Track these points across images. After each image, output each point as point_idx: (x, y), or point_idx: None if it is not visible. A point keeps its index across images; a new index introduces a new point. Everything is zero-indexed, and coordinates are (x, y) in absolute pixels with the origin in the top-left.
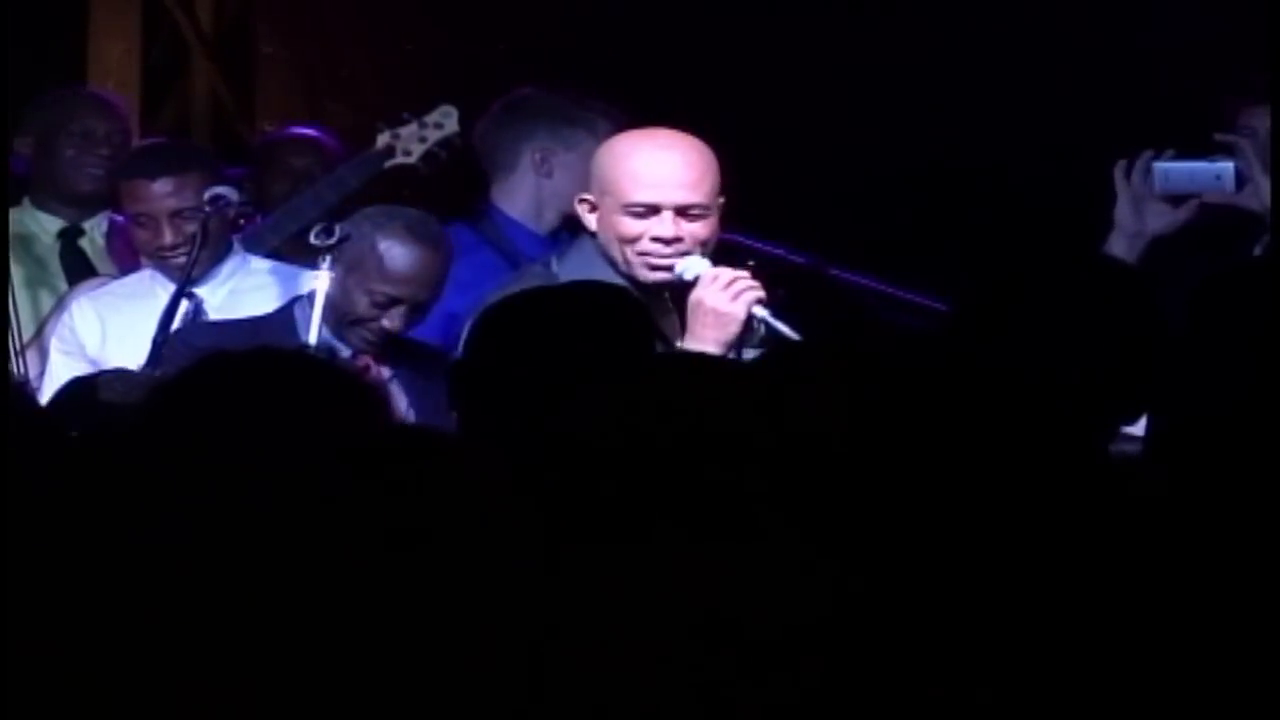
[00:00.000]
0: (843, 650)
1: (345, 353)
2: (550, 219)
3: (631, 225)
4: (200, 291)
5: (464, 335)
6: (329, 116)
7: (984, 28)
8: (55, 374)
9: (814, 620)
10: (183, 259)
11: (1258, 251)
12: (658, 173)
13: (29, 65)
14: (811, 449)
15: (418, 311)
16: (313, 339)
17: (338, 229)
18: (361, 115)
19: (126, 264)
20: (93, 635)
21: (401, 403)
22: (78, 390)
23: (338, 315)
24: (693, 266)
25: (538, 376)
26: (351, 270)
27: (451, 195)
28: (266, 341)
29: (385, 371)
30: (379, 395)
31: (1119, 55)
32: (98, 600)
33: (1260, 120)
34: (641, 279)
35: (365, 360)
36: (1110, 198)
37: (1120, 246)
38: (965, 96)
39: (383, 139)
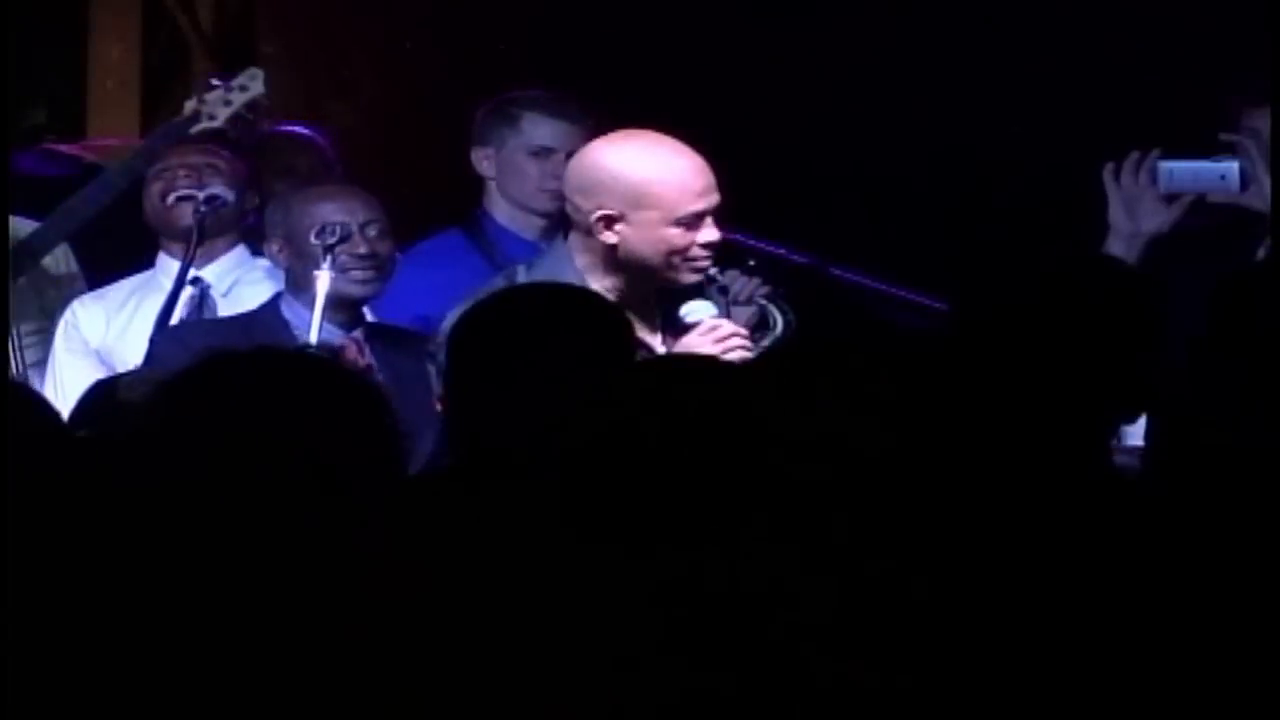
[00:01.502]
0: (838, 650)
1: (336, 341)
2: (536, 221)
3: (682, 236)
4: (206, 275)
5: (447, 342)
6: (329, 116)
7: (985, 27)
8: (60, 374)
9: (809, 620)
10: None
11: (1262, 251)
12: (701, 181)
13: (29, 65)
14: (810, 449)
15: (375, 230)
16: (313, 338)
17: (338, 229)
18: (362, 115)
19: None
20: (96, 635)
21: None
22: (101, 393)
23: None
24: (697, 310)
25: (527, 380)
26: (301, 239)
27: (460, 200)
28: (258, 338)
29: (371, 360)
30: (380, 395)
31: (1120, 55)
32: (100, 601)
33: (1263, 121)
34: (683, 281)
35: (350, 349)
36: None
37: (1118, 248)
38: (966, 96)
39: (189, 105)
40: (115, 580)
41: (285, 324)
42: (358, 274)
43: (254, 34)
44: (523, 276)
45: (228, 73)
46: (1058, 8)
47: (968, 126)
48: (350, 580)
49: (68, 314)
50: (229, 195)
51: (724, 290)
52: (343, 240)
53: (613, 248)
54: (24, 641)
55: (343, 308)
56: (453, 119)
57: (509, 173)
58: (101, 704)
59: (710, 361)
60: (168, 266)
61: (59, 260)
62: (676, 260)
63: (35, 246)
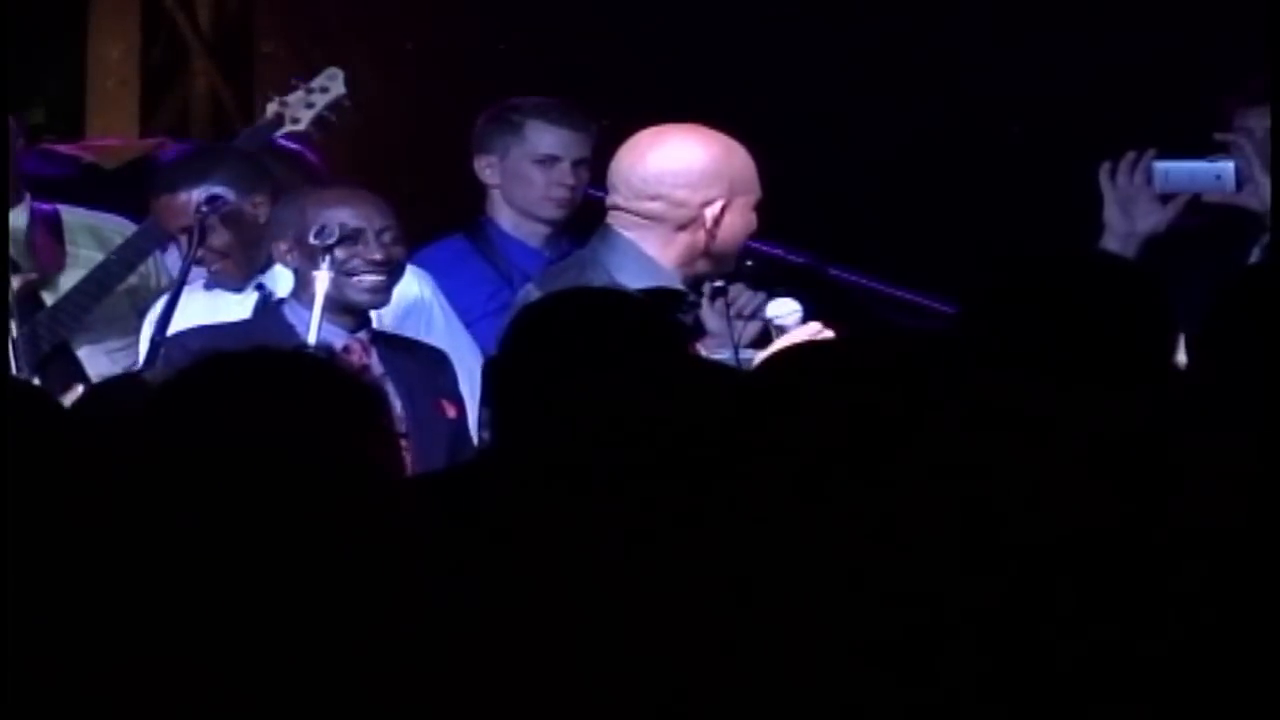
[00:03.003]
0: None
1: (340, 342)
2: (540, 229)
3: (754, 220)
4: (268, 280)
5: (503, 332)
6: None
7: (986, 27)
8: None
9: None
10: (220, 264)
11: (1257, 250)
12: None
13: (29, 65)
14: (816, 451)
15: (390, 236)
16: (312, 338)
17: (338, 228)
18: (362, 116)
19: (46, 255)
20: (94, 637)
21: (396, 401)
22: (122, 387)
23: (337, 287)
24: (784, 308)
25: (571, 376)
26: (303, 241)
27: (461, 202)
28: (256, 342)
29: (377, 366)
30: (379, 393)
31: (1119, 54)
32: (100, 601)
33: (1257, 120)
34: (731, 268)
35: (354, 350)
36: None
37: (1114, 247)
38: (969, 95)
39: (271, 108)
40: (111, 581)
41: (289, 327)
42: (369, 279)
43: (253, 33)
44: (606, 277)
45: (306, 74)
46: (1057, 7)
47: (967, 126)
48: (355, 579)
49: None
50: (230, 195)
51: (724, 294)
52: (343, 241)
53: (711, 238)
54: (24, 642)
55: (349, 311)
56: (454, 120)
57: (514, 181)
58: (96, 704)
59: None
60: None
61: (155, 273)
62: (743, 244)
63: (107, 279)
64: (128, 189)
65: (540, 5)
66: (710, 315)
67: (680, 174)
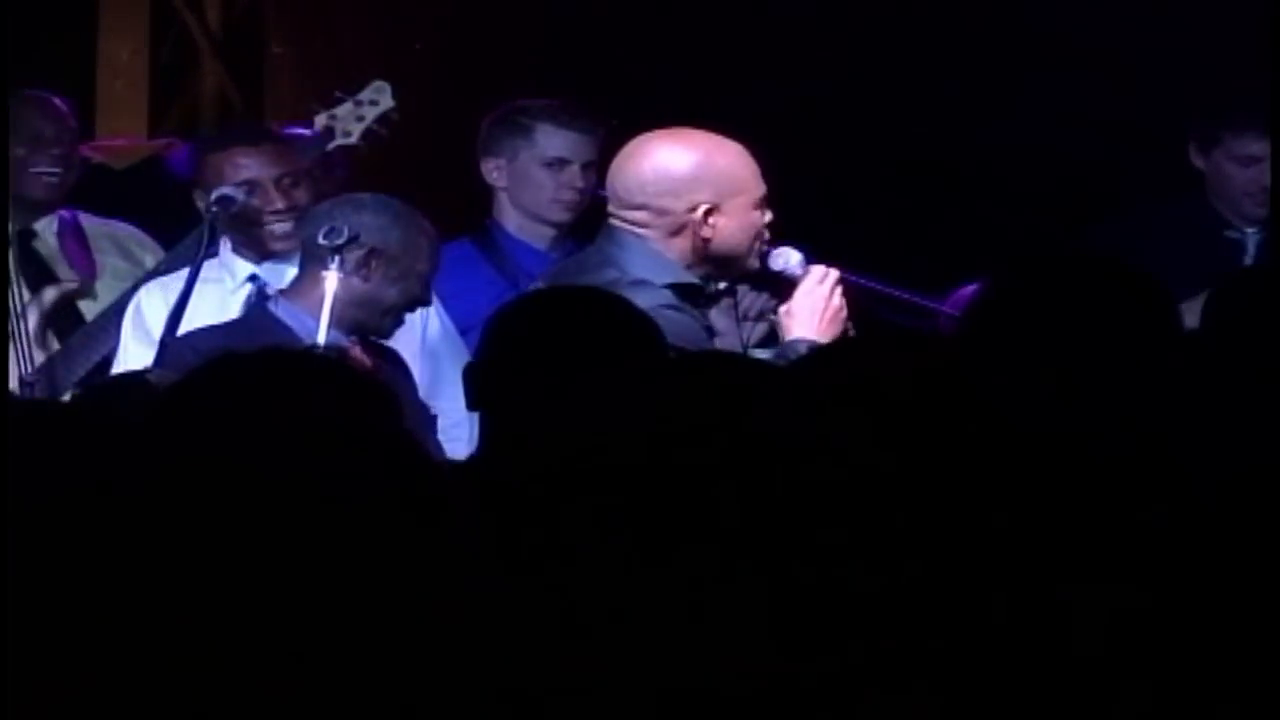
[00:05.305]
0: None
1: (343, 340)
2: (547, 231)
3: (760, 217)
4: (264, 273)
5: (481, 334)
6: None
7: (984, 26)
8: (126, 360)
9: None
10: (289, 224)
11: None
12: (755, 163)
13: (37, 66)
14: (836, 454)
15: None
16: (321, 339)
17: (346, 229)
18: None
19: (80, 263)
20: (104, 637)
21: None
22: (124, 387)
23: (367, 311)
24: (789, 256)
25: (554, 377)
26: (387, 264)
27: (470, 202)
28: (260, 341)
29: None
30: (391, 395)
31: (1120, 53)
32: (110, 602)
33: (1260, 145)
34: (754, 266)
35: (355, 350)
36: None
37: None
38: (969, 95)
39: (320, 120)
40: (122, 585)
41: (284, 326)
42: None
43: (263, 34)
44: (623, 272)
45: (351, 86)
46: (1060, 8)
47: (972, 125)
48: (361, 578)
49: (134, 300)
50: (239, 195)
51: (733, 295)
52: (350, 242)
53: (706, 241)
54: (28, 644)
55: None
56: (463, 121)
57: (522, 184)
58: (105, 705)
59: (737, 360)
60: (229, 261)
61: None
62: (757, 244)
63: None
64: (137, 189)
65: (548, 6)
66: (718, 316)
67: (661, 182)
